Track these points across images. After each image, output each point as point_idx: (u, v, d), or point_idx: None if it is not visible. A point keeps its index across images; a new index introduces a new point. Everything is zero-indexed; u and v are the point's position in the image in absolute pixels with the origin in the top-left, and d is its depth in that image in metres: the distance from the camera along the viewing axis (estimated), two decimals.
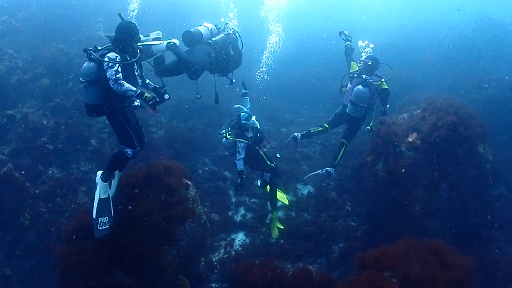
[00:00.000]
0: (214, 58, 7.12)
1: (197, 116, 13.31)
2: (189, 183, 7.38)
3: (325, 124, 8.66)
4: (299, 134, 8.68)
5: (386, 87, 7.77)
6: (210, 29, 7.16)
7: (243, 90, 8.33)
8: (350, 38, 8.66)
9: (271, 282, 6.26)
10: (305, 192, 10.05)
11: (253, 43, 12.91)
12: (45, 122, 10.25)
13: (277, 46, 11.95)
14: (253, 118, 7.88)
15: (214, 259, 8.17)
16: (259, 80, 11.49)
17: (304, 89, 17.15)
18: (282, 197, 9.04)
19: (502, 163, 9.86)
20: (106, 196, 5.97)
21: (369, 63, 7.96)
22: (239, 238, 8.75)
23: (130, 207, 6.25)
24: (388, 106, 7.89)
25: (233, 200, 10.09)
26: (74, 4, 15.85)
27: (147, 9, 14.75)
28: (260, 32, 12.98)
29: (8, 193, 8.34)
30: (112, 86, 5.23)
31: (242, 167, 7.77)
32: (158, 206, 6.48)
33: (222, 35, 7.30)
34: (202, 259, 7.91)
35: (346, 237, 8.21)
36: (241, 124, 7.75)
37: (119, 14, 5.78)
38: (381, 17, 21.70)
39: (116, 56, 5.34)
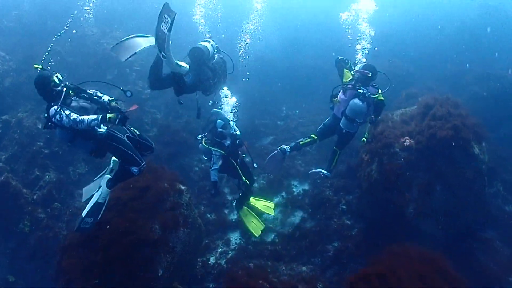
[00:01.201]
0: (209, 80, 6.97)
1: (192, 111, 13.30)
2: (183, 188, 7.50)
3: (313, 135, 7.97)
4: (288, 147, 7.86)
5: (383, 99, 7.26)
6: (211, 45, 6.87)
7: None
8: (346, 60, 7.93)
9: None
10: (300, 190, 10.09)
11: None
12: (40, 126, 10.28)
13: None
14: (231, 124, 7.52)
15: (210, 259, 8.25)
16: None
17: (300, 80, 16.98)
18: (266, 208, 8.88)
19: (500, 159, 9.82)
20: (103, 202, 6.14)
21: (368, 74, 7.26)
22: (235, 237, 8.82)
23: None
24: (379, 117, 7.51)
25: (229, 198, 10.12)
26: (66, 2, 15.63)
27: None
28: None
29: (6, 201, 8.46)
30: (76, 128, 5.27)
31: (216, 177, 7.37)
32: (150, 214, 6.60)
33: (216, 56, 6.99)
34: (198, 259, 8.03)
35: (340, 236, 8.26)
36: (217, 132, 7.34)
37: (35, 67, 5.60)
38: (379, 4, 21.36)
39: (55, 108, 5.30)
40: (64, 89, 5.46)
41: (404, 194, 7.49)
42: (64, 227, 8.74)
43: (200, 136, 7.55)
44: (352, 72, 7.56)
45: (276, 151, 7.84)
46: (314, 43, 19.44)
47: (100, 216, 6.11)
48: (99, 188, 6.19)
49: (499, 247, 7.79)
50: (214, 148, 7.34)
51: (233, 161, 7.56)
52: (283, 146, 7.89)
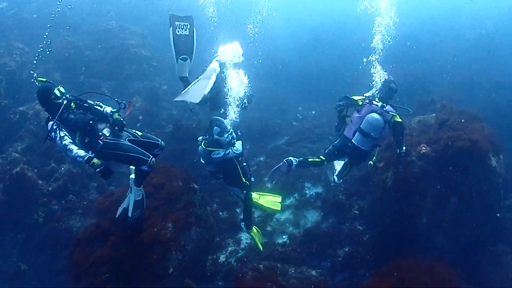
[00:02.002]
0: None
1: (206, 109, 13.33)
2: (196, 187, 7.52)
3: (321, 156, 7.47)
4: (296, 160, 7.41)
5: (401, 120, 6.92)
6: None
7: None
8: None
9: None
10: (313, 192, 10.02)
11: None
12: None
13: None
14: (229, 131, 6.90)
15: (220, 258, 8.30)
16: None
17: (316, 80, 16.66)
18: (273, 203, 8.28)
19: None
20: (140, 198, 6.20)
21: (394, 87, 7.04)
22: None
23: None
24: (404, 148, 7.24)
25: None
26: None
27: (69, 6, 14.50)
28: None
29: (21, 191, 8.58)
30: (65, 154, 5.31)
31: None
32: (163, 212, 6.65)
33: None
34: (209, 257, 8.07)
35: (351, 241, 8.22)
36: (214, 139, 6.87)
37: (34, 79, 5.64)
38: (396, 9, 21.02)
39: (52, 124, 5.31)
40: (65, 102, 5.44)
41: (418, 203, 7.38)
42: (77, 219, 8.85)
43: (201, 138, 7.18)
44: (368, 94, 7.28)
45: (282, 163, 7.46)
46: (331, 42, 19.18)
47: (144, 204, 6.28)
48: (130, 189, 6.22)
49: (510, 262, 7.66)
50: (214, 149, 6.89)
51: (235, 160, 7.06)
52: (290, 158, 7.48)
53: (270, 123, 13.33)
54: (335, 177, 7.57)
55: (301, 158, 7.46)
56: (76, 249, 6.74)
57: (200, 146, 7.04)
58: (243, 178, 7.08)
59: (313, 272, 7.31)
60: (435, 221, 7.30)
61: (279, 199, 8.20)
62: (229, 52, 7.01)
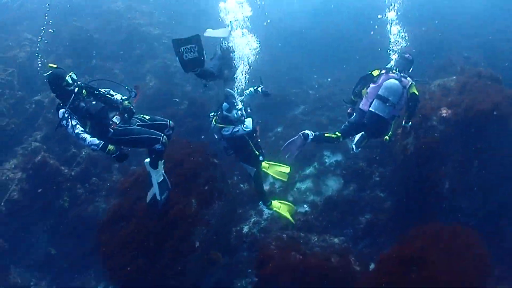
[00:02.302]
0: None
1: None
2: (216, 161, 7.59)
3: (337, 133, 7.08)
4: (312, 133, 6.99)
5: (417, 92, 6.63)
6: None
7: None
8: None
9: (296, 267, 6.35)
10: (332, 160, 9.93)
11: None
12: None
13: None
14: (239, 108, 6.73)
15: (244, 229, 8.39)
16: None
17: (331, 47, 15.93)
18: (280, 173, 8.16)
19: None
20: (162, 178, 6.30)
21: (409, 57, 6.81)
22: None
23: None
24: (410, 122, 6.82)
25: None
26: None
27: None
28: None
29: (45, 179, 8.79)
30: (77, 141, 5.27)
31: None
32: (186, 188, 6.73)
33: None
34: (232, 229, 8.20)
35: (372, 208, 8.18)
36: (223, 115, 6.80)
37: (49, 67, 5.55)
38: None
39: (64, 112, 5.27)
40: (76, 89, 5.42)
41: (440, 169, 7.21)
42: (102, 201, 9.05)
43: (212, 113, 7.11)
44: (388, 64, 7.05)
45: (297, 136, 7.08)
46: (344, 8, 18.53)
47: (169, 184, 6.41)
48: (149, 173, 6.31)
49: None
50: (224, 125, 6.81)
51: (246, 137, 6.96)
52: (306, 131, 7.04)
53: (286, 93, 13.15)
54: (353, 146, 7.48)
55: (317, 133, 7.13)
56: (102, 230, 6.96)
57: (212, 122, 7.00)
58: (257, 153, 7.04)
59: (336, 240, 7.31)
60: (458, 186, 7.13)
61: (287, 169, 8.11)
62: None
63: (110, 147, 5.32)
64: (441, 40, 13.50)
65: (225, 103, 6.74)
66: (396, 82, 6.57)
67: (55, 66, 5.53)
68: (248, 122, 6.70)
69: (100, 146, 5.23)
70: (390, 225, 7.72)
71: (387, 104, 6.51)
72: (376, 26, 8.35)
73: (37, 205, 8.73)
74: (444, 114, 7.53)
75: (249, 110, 6.91)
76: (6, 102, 9.87)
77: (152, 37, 13.74)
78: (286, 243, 6.97)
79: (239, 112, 6.68)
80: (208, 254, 6.99)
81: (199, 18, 14.66)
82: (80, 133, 5.22)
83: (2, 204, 8.56)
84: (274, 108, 12.21)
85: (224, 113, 6.72)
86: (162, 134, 5.85)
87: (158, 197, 6.27)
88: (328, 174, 9.48)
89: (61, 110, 5.34)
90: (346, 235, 7.83)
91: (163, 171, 6.29)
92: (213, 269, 7.19)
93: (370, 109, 6.62)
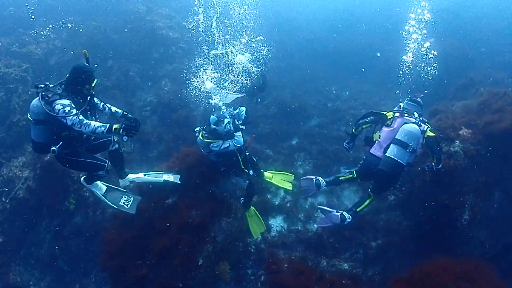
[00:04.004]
0: None
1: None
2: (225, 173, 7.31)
3: (354, 172, 6.84)
4: (324, 181, 6.87)
5: (434, 134, 6.39)
6: None
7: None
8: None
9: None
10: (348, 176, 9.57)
11: None
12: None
13: None
14: (226, 120, 6.54)
15: (251, 245, 8.05)
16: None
17: (351, 59, 15.79)
18: (284, 182, 8.05)
19: None
20: (106, 187, 6.60)
21: (421, 101, 6.66)
22: (277, 223, 8.60)
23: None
24: (440, 165, 6.38)
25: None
26: None
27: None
28: None
29: (53, 179, 8.57)
30: (78, 130, 5.18)
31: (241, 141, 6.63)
32: (193, 202, 6.49)
33: None
34: (240, 244, 7.86)
35: (386, 232, 7.83)
36: (211, 129, 6.56)
37: (84, 53, 5.61)
38: None
39: (70, 102, 5.25)
40: (91, 98, 5.53)
41: (461, 197, 6.88)
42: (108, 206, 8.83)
43: (198, 128, 6.88)
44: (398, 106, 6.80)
45: (313, 179, 6.95)
46: (365, 19, 18.24)
47: (121, 190, 6.96)
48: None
49: None
50: (213, 140, 6.62)
51: (235, 151, 6.83)
52: (319, 178, 6.92)
53: (303, 103, 12.84)
54: (345, 213, 6.66)
55: (332, 177, 6.98)
56: (105, 235, 6.86)
57: (198, 138, 6.77)
58: (245, 169, 6.93)
59: (345, 266, 7.00)
60: (477, 217, 6.81)
61: (291, 178, 8.04)
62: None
63: (115, 125, 5.26)
64: (464, 57, 13.13)
65: (212, 116, 6.51)
66: (416, 126, 6.25)
67: (87, 55, 5.62)
68: (239, 136, 6.53)
69: (107, 128, 5.19)
70: (403, 251, 7.35)
71: (408, 150, 6.15)
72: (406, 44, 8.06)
73: (42, 205, 8.59)
74: (464, 134, 7.29)
75: (238, 122, 6.68)
76: (18, 98, 9.75)
77: (171, 40, 13.61)
78: (295, 264, 6.68)
79: (228, 126, 6.44)
80: (217, 265, 6.70)
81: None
82: (83, 120, 5.18)
83: (7, 201, 8.46)
84: (289, 118, 12.01)
85: (212, 126, 6.48)
86: (107, 161, 6.08)
87: (114, 206, 6.54)
88: (344, 190, 9.12)
89: (65, 100, 5.26)
90: (357, 260, 7.49)
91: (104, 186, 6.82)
92: (218, 285, 6.93)
93: (388, 155, 6.23)
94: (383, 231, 7.90)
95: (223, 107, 6.85)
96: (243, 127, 6.75)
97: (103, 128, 5.17)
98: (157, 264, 6.22)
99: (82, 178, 6.66)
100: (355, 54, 15.84)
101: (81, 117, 5.18)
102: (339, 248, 7.72)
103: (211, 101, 7.16)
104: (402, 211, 8.25)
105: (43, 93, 5.29)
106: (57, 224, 8.52)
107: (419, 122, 6.35)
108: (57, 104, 5.19)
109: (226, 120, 6.47)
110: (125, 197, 6.66)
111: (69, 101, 5.25)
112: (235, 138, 6.50)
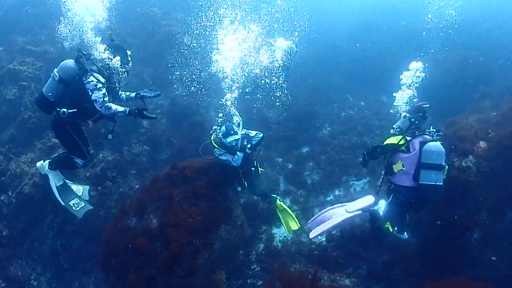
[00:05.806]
0: None
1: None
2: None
3: (389, 226, 6.43)
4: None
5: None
6: None
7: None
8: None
9: None
10: (358, 189, 9.46)
11: None
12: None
13: None
14: (236, 137, 6.50)
15: (252, 253, 7.94)
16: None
17: (369, 69, 15.33)
18: (288, 226, 7.73)
19: None
20: (62, 182, 6.63)
21: (426, 113, 6.33)
22: (281, 232, 8.42)
23: None
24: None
25: (281, 188, 9.77)
26: None
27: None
28: None
29: None
30: (98, 108, 5.32)
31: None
32: (191, 209, 6.38)
33: None
34: (240, 252, 7.74)
35: (392, 248, 7.51)
36: (218, 137, 6.59)
37: (109, 34, 5.83)
38: None
39: (105, 81, 5.43)
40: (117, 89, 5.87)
41: (473, 216, 6.59)
42: (113, 205, 8.80)
43: (215, 127, 6.81)
44: (403, 117, 6.41)
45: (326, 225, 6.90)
46: (385, 25, 17.82)
47: (75, 192, 7.03)
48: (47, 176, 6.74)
49: None
50: (217, 147, 6.63)
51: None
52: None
53: (316, 111, 12.72)
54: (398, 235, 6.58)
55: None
56: (108, 235, 6.75)
57: (211, 136, 6.89)
58: (243, 180, 6.97)
59: (347, 281, 6.74)
60: (488, 238, 6.53)
61: (296, 227, 7.61)
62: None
63: (130, 109, 5.59)
64: (482, 69, 12.68)
65: (223, 127, 6.53)
66: (439, 144, 5.86)
67: (112, 37, 6.00)
68: (238, 157, 6.56)
69: (126, 112, 5.56)
70: (409, 269, 7.06)
71: (442, 170, 5.81)
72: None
73: (47, 201, 8.56)
74: (480, 150, 7.01)
75: (247, 145, 6.64)
76: (31, 96, 9.83)
77: (184, 45, 13.64)
78: (295, 277, 6.47)
79: (234, 142, 6.44)
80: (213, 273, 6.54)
81: None
82: (106, 102, 5.43)
83: (14, 196, 8.50)
84: (301, 125, 11.94)
85: (219, 136, 6.53)
86: (91, 157, 6.37)
87: (62, 203, 6.55)
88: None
89: (101, 77, 5.48)
90: (359, 276, 7.21)
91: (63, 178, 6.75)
92: None
93: (425, 182, 5.80)
94: (389, 247, 7.60)
95: (237, 119, 6.80)
96: (249, 151, 6.70)
97: (122, 114, 5.53)
98: (153, 268, 6.09)
99: (46, 161, 6.67)
100: (374, 66, 15.34)
101: (106, 98, 5.38)
102: (342, 263, 7.48)
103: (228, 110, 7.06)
104: (410, 227, 7.94)
105: (81, 59, 5.48)
106: (61, 221, 8.52)
107: (437, 137, 6.02)
108: (93, 76, 5.35)
109: (235, 137, 6.46)
110: (77, 200, 6.78)
111: (104, 79, 5.44)
112: (234, 156, 6.51)
